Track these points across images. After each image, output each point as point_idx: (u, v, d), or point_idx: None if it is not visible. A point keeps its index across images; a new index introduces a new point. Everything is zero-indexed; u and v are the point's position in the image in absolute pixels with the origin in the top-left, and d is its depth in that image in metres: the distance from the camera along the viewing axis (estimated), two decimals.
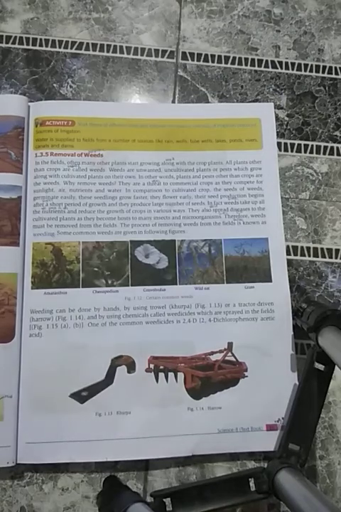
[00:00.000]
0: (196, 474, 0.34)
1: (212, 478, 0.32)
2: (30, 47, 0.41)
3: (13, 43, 0.41)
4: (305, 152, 0.41)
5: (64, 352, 0.33)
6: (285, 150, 0.41)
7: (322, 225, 0.39)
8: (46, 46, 0.42)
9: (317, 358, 0.31)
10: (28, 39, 0.42)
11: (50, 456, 0.32)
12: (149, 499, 0.31)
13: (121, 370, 0.33)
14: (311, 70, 0.43)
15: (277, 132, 0.40)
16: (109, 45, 0.42)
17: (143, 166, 0.37)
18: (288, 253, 0.38)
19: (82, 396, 0.33)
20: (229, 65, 0.43)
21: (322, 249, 0.39)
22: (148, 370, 0.34)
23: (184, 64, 0.42)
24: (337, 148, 0.41)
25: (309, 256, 0.39)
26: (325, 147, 0.41)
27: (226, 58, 0.43)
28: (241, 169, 0.38)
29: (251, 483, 0.30)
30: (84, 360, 0.33)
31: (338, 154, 0.41)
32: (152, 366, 0.34)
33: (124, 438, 0.32)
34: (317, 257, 0.39)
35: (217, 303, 0.35)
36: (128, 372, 0.33)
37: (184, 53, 0.42)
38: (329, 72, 0.43)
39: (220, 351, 0.34)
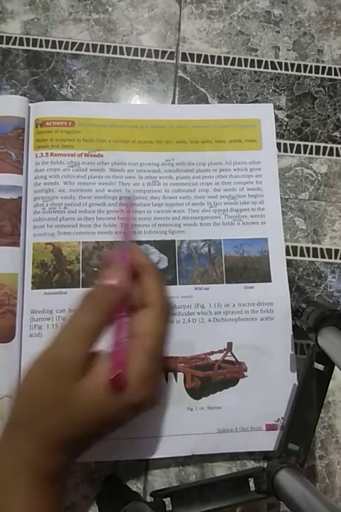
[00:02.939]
0: (196, 474, 0.34)
1: (212, 478, 0.32)
2: (31, 48, 0.42)
3: (14, 43, 0.41)
4: (305, 153, 0.41)
5: None
6: (285, 151, 0.41)
7: (321, 226, 0.39)
8: (46, 47, 0.42)
9: (317, 358, 0.31)
10: (28, 40, 0.42)
11: None
12: (149, 499, 0.31)
13: None
14: (311, 71, 0.43)
15: (276, 133, 0.40)
16: (109, 46, 0.42)
17: (142, 167, 0.38)
18: (287, 253, 0.38)
19: None
20: (228, 66, 0.43)
21: (321, 249, 0.39)
22: None
23: (184, 65, 0.42)
24: (337, 148, 0.41)
25: (308, 256, 0.39)
26: (325, 148, 0.41)
27: (226, 59, 0.43)
28: (241, 170, 0.38)
29: (251, 483, 0.30)
30: None
31: (337, 155, 0.41)
32: None
33: (124, 438, 0.32)
34: (317, 257, 0.39)
35: (216, 303, 0.35)
36: None
37: (184, 54, 0.43)
38: (329, 73, 0.43)
39: (220, 351, 0.34)
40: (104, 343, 0.25)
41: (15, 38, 0.42)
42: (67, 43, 0.42)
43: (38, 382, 0.25)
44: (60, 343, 0.25)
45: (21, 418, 0.25)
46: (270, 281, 0.36)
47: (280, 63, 0.43)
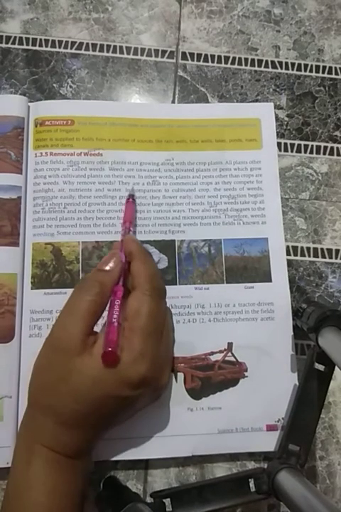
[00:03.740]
0: (196, 475, 0.33)
1: (212, 479, 0.32)
2: (30, 47, 0.41)
3: (13, 43, 0.41)
4: (305, 152, 0.41)
5: None
6: (285, 150, 0.41)
7: (322, 226, 0.39)
8: (46, 46, 0.42)
9: (317, 358, 0.31)
10: (27, 39, 0.42)
11: None
12: (149, 500, 0.31)
13: None
14: (311, 70, 0.43)
15: (277, 132, 0.40)
16: (108, 46, 0.42)
17: (142, 166, 0.37)
18: (288, 253, 0.38)
19: None
20: (228, 65, 0.43)
21: (322, 249, 0.39)
22: None
23: (184, 64, 0.42)
24: (337, 148, 0.41)
25: (309, 256, 0.39)
26: (325, 147, 0.41)
27: (226, 58, 0.43)
28: (241, 169, 0.38)
29: (251, 484, 0.29)
30: None
31: (338, 154, 0.41)
32: None
33: (124, 438, 0.32)
34: (317, 257, 0.39)
35: (216, 303, 0.35)
36: None
37: (184, 53, 0.43)
38: (329, 73, 0.43)
39: (220, 351, 0.34)
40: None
41: (15, 37, 0.42)
42: (66, 42, 0.42)
43: (44, 361, 0.27)
44: (60, 323, 0.27)
45: (33, 395, 0.27)
46: (270, 281, 0.36)
47: (280, 62, 0.43)
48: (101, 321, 0.28)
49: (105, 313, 0.28)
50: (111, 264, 0.29)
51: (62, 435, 0.26)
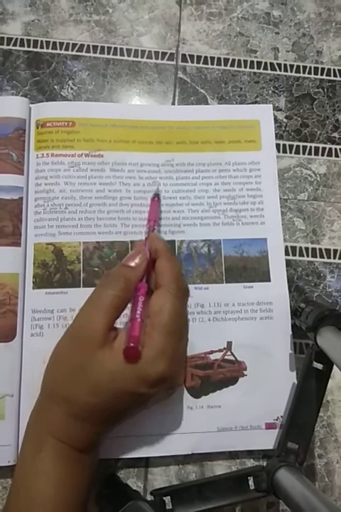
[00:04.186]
0: (195, 473, 0.34)
1: (212, 477, 0.33)
2: (32, 49, 0.42)
3: (14, 44, 0.42)
4: (304, 153, 0.41)
5: None
6: (284, 151, 0.41)
7: (320, 226, 0.40)
8: (47, 48, 0.42)
9: (316, 357, 0.32)
10: (29, 41, 0.42)
11: None
12: (149, 497, 0.32)
13: None
14: (310, 72, 0.43)
15: (276, 134, 0.41)
16: (109, 48, 0.42)
17: (143, 167, 0.38)
18: (286, 253, 0.38)
19: None
20: (228, 67, 0.43)
21: (320, 249, 0.39)
22: None
23: (184, 66, 0.43)
24: (335, 149, 0.42)
25: (307, 256, 0.39)
26: (324, 148, 0.41)
27: (226, 60, 0.43)
28: (240, 170, 0.39)
29: (251, 482, 0.30)
30: None
31: (336, 156, 0.41)
32: None
33: (124, 436, 0.32)
34: (316, 257, 0.39)
35: (216, 302, 0.35)
36: None
37: (184, 55, 0.43)
38: (328, 74, 0.44)
39: (219, 350, 0.35)
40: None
41: (16, 39, 0.42)
42: (67, 44, 0.42)
43: (63, 352, 0.27)
44: (83, 315, 0.27)
45: (48, 385, 0.27)
46: (269, 281, 0.36)
47: (279, 64, 0.43)
48: (123, 319, 0.28)
49: (126, 311, 0.28)
50: (136, 261, 0.29)
51: (74, 428, 0.26)
